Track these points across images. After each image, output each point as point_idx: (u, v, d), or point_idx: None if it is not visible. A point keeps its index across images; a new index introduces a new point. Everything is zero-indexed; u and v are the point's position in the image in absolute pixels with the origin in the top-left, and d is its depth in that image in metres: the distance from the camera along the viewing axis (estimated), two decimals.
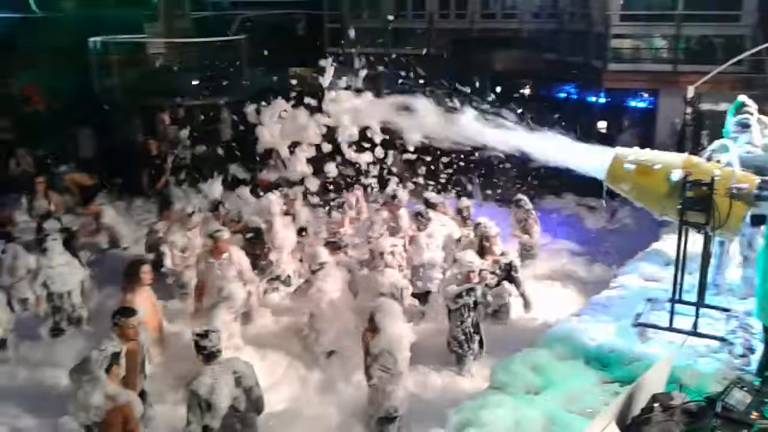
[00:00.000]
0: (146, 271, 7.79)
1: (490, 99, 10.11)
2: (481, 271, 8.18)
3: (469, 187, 14.51)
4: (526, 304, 9.00)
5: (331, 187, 12.45)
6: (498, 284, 8.92)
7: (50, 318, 8.74)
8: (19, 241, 10.14)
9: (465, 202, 11.07)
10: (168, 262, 9.76)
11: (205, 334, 5.96)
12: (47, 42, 14.97)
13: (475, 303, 7.90)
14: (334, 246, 9.36)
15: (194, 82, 16.04)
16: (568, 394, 5.82)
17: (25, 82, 16.84)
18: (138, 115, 15.84)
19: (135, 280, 7.71)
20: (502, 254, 9.08)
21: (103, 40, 16.37)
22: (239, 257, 8.83)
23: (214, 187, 11.24)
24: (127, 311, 6.77)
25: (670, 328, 6.45)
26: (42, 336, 8.74)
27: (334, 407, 7.42)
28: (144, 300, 7.63)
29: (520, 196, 11.32)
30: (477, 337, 7.97)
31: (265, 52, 13.93)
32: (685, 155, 6.56)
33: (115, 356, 5.83)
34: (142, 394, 6.77)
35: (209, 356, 5.92)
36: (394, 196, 10.52)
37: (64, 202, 12.73)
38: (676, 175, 6.11)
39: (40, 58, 15.04)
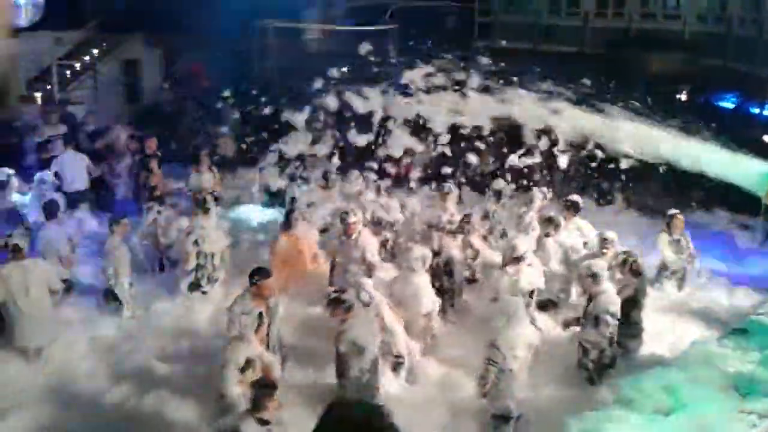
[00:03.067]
0: (296, 218, 9.40)
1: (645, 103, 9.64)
2: None
3: (610, 193, 13.95)
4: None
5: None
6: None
7: (192, 274, 9.25)
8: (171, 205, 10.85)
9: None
10: None
11: (343, 290, 6.79)
12: (213, 24, 15.98)
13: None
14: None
15: (344, 69, 16.51)
16: (700, 419, 5.57)
17: (193, 61, 18.16)
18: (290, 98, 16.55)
19: (288, 225, 9.34)
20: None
21: (262, 25, 17.32)
22: (366, 241, 8.90)
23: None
24: (265, 272, 7.05)
25: None
26: (182, 291, 9.21)
27: (447, 399, 7.28)
28: (292, 244, 9.10)
29: (673, 210, 9.73)
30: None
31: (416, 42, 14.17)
32: None
33: (260, 316, 6.62)
34: None
35: (349, 308, 6.60)
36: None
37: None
38: None
39: (207, 39, 16.14)
